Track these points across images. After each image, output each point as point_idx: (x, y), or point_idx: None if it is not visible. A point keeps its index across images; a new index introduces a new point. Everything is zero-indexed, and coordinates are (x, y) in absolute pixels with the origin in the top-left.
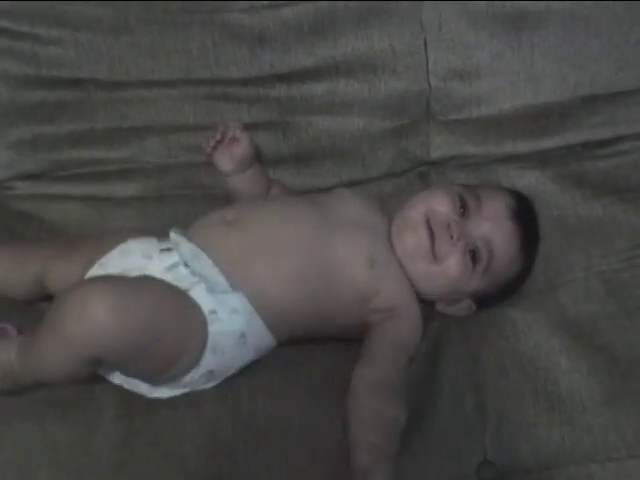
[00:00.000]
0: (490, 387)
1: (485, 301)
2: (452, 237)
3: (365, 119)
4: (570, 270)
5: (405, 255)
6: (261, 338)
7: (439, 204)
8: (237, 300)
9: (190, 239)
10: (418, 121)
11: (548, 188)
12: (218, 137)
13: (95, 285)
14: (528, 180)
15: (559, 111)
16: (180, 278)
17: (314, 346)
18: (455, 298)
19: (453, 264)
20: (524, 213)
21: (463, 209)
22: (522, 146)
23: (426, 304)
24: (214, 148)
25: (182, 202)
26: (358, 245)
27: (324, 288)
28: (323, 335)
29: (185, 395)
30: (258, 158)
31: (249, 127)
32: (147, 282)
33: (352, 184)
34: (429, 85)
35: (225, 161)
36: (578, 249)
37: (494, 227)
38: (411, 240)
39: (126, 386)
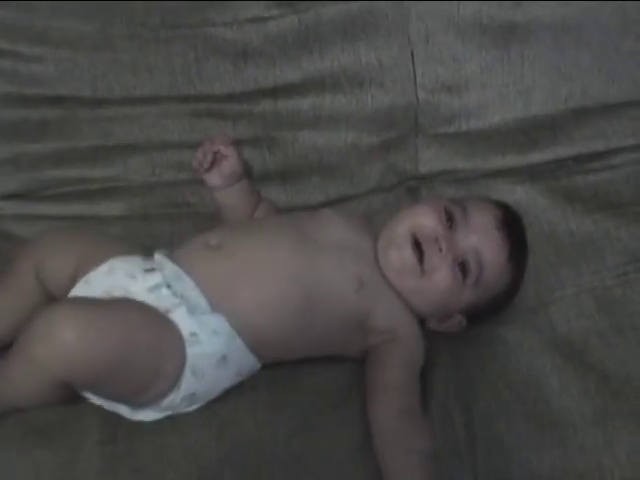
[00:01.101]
0: (480, 408)
1: (476, 316)
2: (440, 250)
3: (352, 134)
4: (561, 286)
5: (392, 272)
6: (243, 360)
7: (425, 218)
8: (217, 322)
9: (173, 261)
10: (406, 135)
11: (539, 203)
12: (210, 158)
13: (64, 309)
14: (519, 195)
15: (550, 124)
16: (162, 299)
17: (301, 365)
18: (446, 313)
19: (443, 277)
20: (511, 223)
21: (450, 222)
22: (512, 160)
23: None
24: (209, 169)
25: (167, 221)
26: (345, 267)
27: (312, 313)
28: (319, 356)
29: (169, 419)
30: (247, 172)
31: (235, 144)
32: (123, 305)
33: (340, 200)
34: (417, 98)
35: (214, 176)
36: (569, 265)
37: (482, 238)
38: (397, 257)
39: (106, 407)
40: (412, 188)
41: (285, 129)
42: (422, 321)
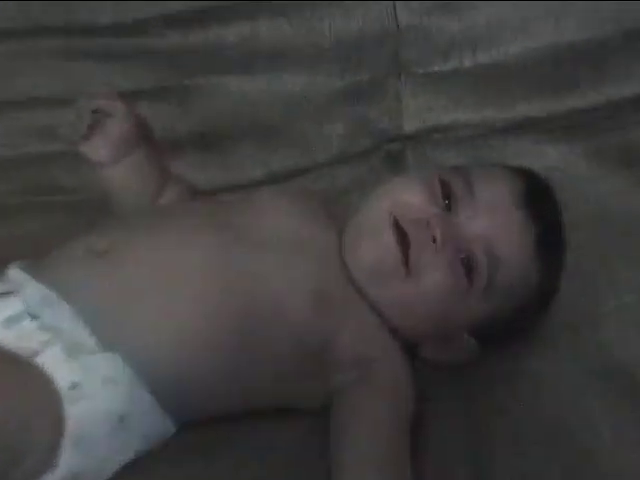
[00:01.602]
0: (499, 467)
1: (491, 337)
2: (434, 240)
3: (303, 78)
4: (616, 292)
5: (365, 275)
6: (151, 421)
7: (411, 195)
8: (110, 365)
9: (40, 277)
10: (383, 77)
11: (581, 170)
12: (88, 120)
13: None
14: (551, 159)
15: (594, 54)
16: (24, 336)
17: (237, 425)
18: (447, 334)
19: (438, 280)
20: (539, 198)
21: (448, 200)
22: (540, 108)
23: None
24: (87, 136)
25: (32, 214)
26: (297, 274)
27: (250, 345)
28: (262, 409)
29: None
30: (146, 139)
31: (127, 97)
32: None
33: (286, 176)
34: (397, 22)
35: (96, 147)
36: (628, 260)
37: (495, 221)
38: (371, 251)
39: None
40: (393, 154)
41: (201, 73)
42: (412, 347)
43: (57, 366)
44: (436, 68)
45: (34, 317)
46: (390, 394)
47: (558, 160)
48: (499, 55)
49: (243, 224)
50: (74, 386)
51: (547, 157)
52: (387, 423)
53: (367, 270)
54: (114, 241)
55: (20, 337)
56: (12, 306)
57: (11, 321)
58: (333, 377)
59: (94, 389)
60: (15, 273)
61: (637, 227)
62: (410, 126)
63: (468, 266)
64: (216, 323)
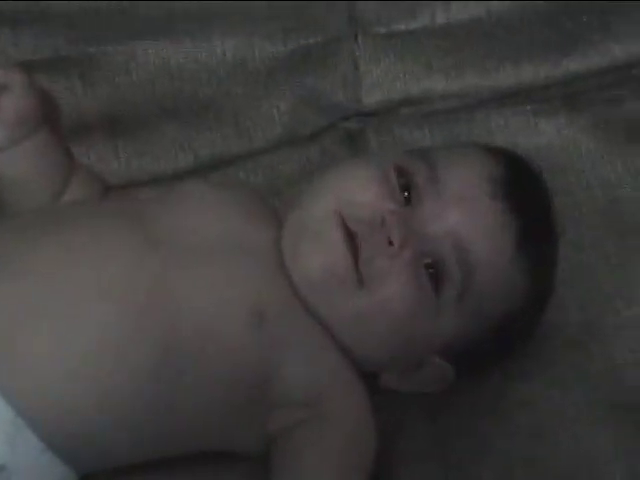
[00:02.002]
0: None
1: (468, 359)
2: (390, 243)
3: (235, 42)
4: (628, 300)
5: (310, 288)
6: (40, 470)
7: (361, 187)
8: None
9: None
10: (336, 39)
11: (583, 149)
12: None
13: None
14: (546, 135)
15: (596, 4)
16: None
17: (155, 473)
18: (412, 358)
19: (396, 291)
20: (519, 185)
21: (408, 191)
22: (532, 72)
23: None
24: None
25: None
26: (230, 291)
27: (173, 378)
28: (187, 454)
29: None
30: (49, 119)
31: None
32: None
33: (219, 166)
34: None
35: None
36: None
37: (466, 216)
38: (315, 258)
39: None
40: (352, 134)
41: (111, 39)
42: (370, 375)
43: None
44: (402, 27)
45: None
46: (345, 437)
47: (554, 136)
48: (479, 8)
49: (163, 229)
50: None
51: (541, 133)
52: (342, 470)
53: (312, 281)
54: (3, 251)
55: None
56: None
57: None
58: (275, 416)
59: None
60: None
61: None
62: (371, 99)
63: (435, 273)
64: (129, 352)
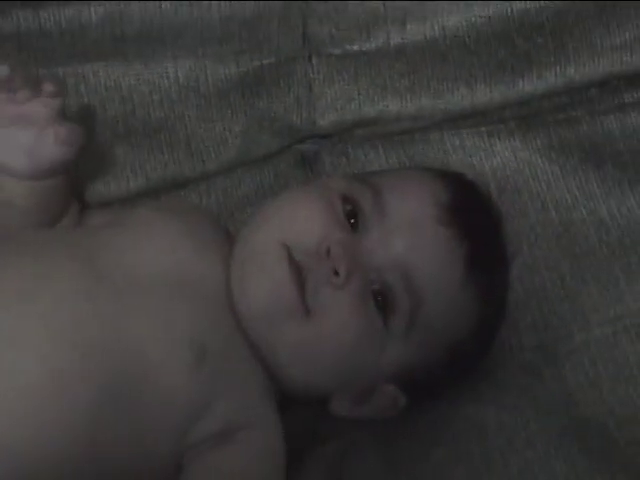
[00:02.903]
0: None
1: (420, 385)
2: (336, 273)
3: (187, 62)
4: (584, 323)
5: (255, 320)
6: None
7: (305, 218)
8: None
9: None
10: (288, 60)
11: (538, 171)
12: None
13: None
14: (500, 157)
15: (552, 25)
16: None
17: None
18: (361, 387)
19: (343, 320)
20: (466, 209)
21: (354, 218)
22: (486, 94)
23: (308, 405)
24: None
25: None
26: (174, 328)
27: (103, 415)
28: None
29: None
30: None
31: None
32: None
33: (170, 188)
34: None
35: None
36: (598, 283)
37: (414, 242)
38: (260, 290)
39: None
40: (306, 156)
41: (60, 61)
42: (320, 401)
43: None
44: (356, 47)
45: None
46: (253, 461)
47: (510, 158)
48: (434, 29)
49: (108, 259)
50: None
51: (496, 154)
52: None
53: (258, 312)
54: None
55: None
56: None
57: None
58: (189, 450)
59: None
60: None
61: (608, 242)
62: (325, 121)
63: (383, 302)
64: (68, 392)
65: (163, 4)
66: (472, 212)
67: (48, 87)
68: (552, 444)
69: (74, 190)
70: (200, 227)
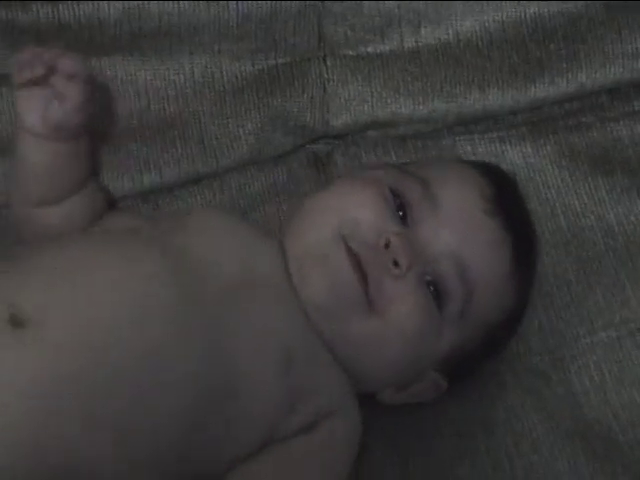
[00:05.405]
0: None
1: (460, 368)
2: (396, 264)
3: (203, 59)
4: (590, 327)
5: (320, 315)
6: None
7: (361, 209)
8: None
9: None
10: (303, 60)
11: (549, 177)
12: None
13: None
14: (512, 163)
15: (564, 31)
16: None
17: None
18: (413, 375)
19: (408, 313)
20: (509, 201)
21: (403, 211)
22: (498, 99)
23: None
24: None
25: None
26: (263, 329)
27: (195, 420)
28: None
29: None
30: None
31: None
32: None
33: (184, 184)
34: None
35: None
36: (604, 288)
37: (465, 234)
38: (323, 284)
39: None
40: (319, 156)
41: (81, 51)
42: (367, 394)
43: None
44: (370, 49)
45: None
46: (334, 449)
47: (520, 165)
48: (448, 33)
49: (193, 262)
50: None
51: (507, 160)
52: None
53: (321, 306)
54: (38, 299)
55: None
56: None
57: None
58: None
59: None
60: None
61: (615, 248)
62: (338, 121)
63: (437, 291)
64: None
65: (181, 1)
66: (513, 203)
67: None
68: (557, 447)
69: (92, 167)
70: (249, 224)
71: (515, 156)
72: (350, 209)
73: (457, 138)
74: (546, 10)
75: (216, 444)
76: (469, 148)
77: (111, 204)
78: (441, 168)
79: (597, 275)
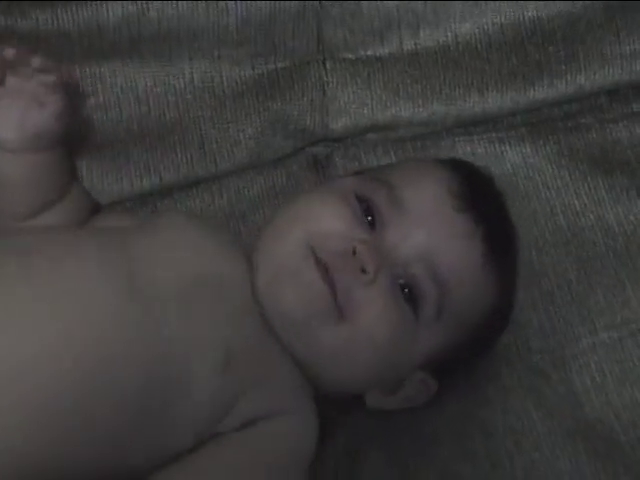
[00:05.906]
0: None
1: (448, 367)
2: (364, 271)
3: (203, 64)
4: (591, 327)
5: (288, 326)
6: None
7: (327, 218)
8: None
9: None
10: (302, 64)
11: (548, 177)
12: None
13: None
14: (511, 163)
15: (563, 33)
16: None
17: None
18: (395, 378)
19: (377, 317)
20: (478, 194)
21: (371, 216)
22: (497, 100)
23: (336, 402)
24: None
25: None
26: (203, 327)
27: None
28: None
29: None
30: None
31: None
32: None
33: (183, 188)
34: None
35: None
36: (605, 287)
37: (434, 233)
38: (294, 296)
39: None
40: (318, 159)
41: (77, 61)
42: (357, 398)
43: None
44: (369, 52)
45: None
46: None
47: (520, 165)
48: (447, 35)
49: (144, 261)
50: None
51: (507, 161)
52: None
53: (292, 319)
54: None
55: None
56: None
57: None
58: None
59: None
60: None
61: (615, 248)
62: (338, 124)
63: (410, 294)
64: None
65: (180, 6)
66: (482, 196)
67: (36, 62)
68: (559, 445)
69: (72, 174)
70: (218, 230)
71: (515, 156)
72: (317, 220)
73: (456, 139)
74: (544, 12)
75: (153, 435)
76: (468, 149)
77: (96, 207)
78: (405, 169)
79: (598, 275)
